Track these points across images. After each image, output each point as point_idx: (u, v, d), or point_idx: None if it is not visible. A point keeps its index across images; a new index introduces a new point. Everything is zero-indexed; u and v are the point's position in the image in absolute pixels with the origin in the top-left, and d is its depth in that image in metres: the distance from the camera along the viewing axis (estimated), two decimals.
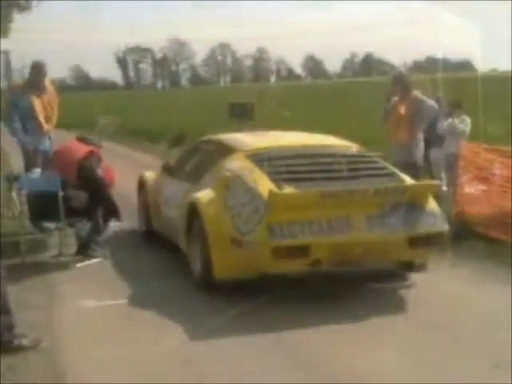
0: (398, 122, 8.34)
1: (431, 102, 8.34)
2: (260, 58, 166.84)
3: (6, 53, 29.28)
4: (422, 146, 8.40)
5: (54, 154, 7.90)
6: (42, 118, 8.65)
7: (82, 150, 7.46)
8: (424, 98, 8.35)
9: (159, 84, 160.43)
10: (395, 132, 8.37)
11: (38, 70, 8.73)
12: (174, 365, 4.57)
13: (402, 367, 4.46)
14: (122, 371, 4.50)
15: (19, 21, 28.60)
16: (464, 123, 9.62)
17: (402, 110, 8.31)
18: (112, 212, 7.53)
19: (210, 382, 4.31)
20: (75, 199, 7.21)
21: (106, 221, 7.52)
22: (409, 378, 4.29)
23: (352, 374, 4.35)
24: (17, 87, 9.75)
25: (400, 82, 8.50)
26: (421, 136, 8.39)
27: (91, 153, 7.47)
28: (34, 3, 26.84)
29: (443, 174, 10.24)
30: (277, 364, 4.56)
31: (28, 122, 8.59)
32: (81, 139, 7.80)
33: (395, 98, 8.39)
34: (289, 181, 5.79)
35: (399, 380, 4.26)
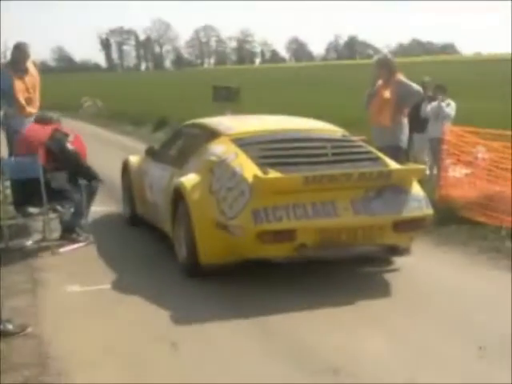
0: (382, 106, 8.31)
1: (416, 86, 8.31)
2: (244, 40, 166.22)
3: None
4: (406, 130, 8.38)
5: (18, 142, 7.75)
6: (23, 100, 8.56)
7: (44, 131, 7.35)
8: (409, 81, 8.31)
9: (143, 66, 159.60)
10: (378, 116, 8.33)
11: (20, 50, 8.63)
12: (160, 348, 4.57)
13: (387, 351, 4.48)
14: (109, 355, 4.49)
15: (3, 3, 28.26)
16: (450, 107, 9.65)
17: (387, 93, 8.27)
18: (94, 179, 7.51)
19: (198, 366, 4.32)
20: (54, 180, 7.15)
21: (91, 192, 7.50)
22: (394, 362, 4.31)
23: (337, 358, 4.37)
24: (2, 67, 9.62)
25: (384, 65, 8.46)
26: (405, 120, 8.37)
27: (55, 130, 7.38)
28: None
29: (426, 158, 10.30)
30: (261, 347, 4.57)
31: (10, 102, 8.48)
32: (39, 120, 7.68)
33: (379, 82, 8.36)
34: (274, 165, 5.78)
35: (384, 364, 4.29)
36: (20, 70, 8.57)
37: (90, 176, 7.50)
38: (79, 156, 7.42)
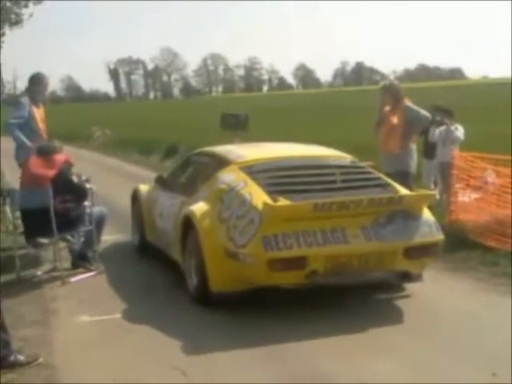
0: (390, 132, 8.33)
1: (424, 112, 8.33)
2: (251, 67, 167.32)
3: None
4: (415, 155, 8.38)
5: (25, 175, 7.55)
6: (42, 131, 8.54)
7: (50, 164, 7.21)
8: (414, 107, 8.33)
9: (151, 95, 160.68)
10: (387, 142, 8.34)
11: (40, 81, 8.63)
12: (171, 378, 4.55)
13: (400, 377, 4.45)
14: None
15: (10, 35, 28.51)
16: (458, 131, 9.63)
17: (394, 119, 8.30)
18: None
19: None
20: (64, 211, 7.13)
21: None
22: None
23: None
24: (17, 98, 9.61)
25: (389, 91, 8.49)
26: (414, 146, 8.38)
27: (61, 163, 7.29)
28: (26, 17, 26.71)
29: (432, 185, 10.28)
30: (273, 376, 4.55)
31: (29, 133, 8.40)
32: (43, 151, 7.45)
33: (387, 108, 8.39)
34: (283, 192, 5.79)
35: None
36: (36, 101, 8.57)
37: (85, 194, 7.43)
38: (83, 186, 7.41)
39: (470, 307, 5.93)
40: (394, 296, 6.15)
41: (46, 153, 7.40)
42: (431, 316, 5.69)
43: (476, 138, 11.73)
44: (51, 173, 7.15)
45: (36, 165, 7.32)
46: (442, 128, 9.69)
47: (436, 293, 6.29)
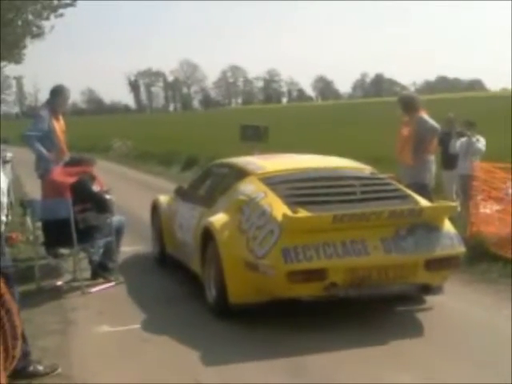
0: (403, 144, 8.32)
1: (432, 123, 8.25)
2: (271, 79, 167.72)
3: (19, 78, 29.55)
4: (431, 167, 8.31)
5: (46, 185, 7.75)
6: (62, 143, 8.59)
7: (71, 174, 7.34)
8: (426, 118, 8.28)
9: (171, 107, 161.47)
10: (401, 154, 8.34)
11: (62, 94, 8.68)
12: None
13: None
14: None
15: (33, 47, 28.84)
16: (480, 143, 9.55)
17: (406, 131, 8.29)
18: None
19: None
20: (84, 221, 7.17)
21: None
22: None
23: None
24: (38, 110, 9.66)
25: (404, 103, 8.46)
26: (431, 157, 8.31)
27: (82, 173, 7.39)
28: (47, 30, 26.98)
29: (454, 195, 10.20)
30: None
31: (49, 145, 8.44)
32: (69, 163, 7.68)
33: (405, 119, 8.37)
34: (303, 204, 5.77)
35: None
36: (57, 113, 8.61)
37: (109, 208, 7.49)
38: (104, 197, 7.45)
39: (490, 320, 5.86)
40: (414, 308, 6.09)
41: (74, 164, 7.53)
42: (452, 328, 5.63)
43: (496, 150, 11.63)
44: (70, 180, 7.23)
45: (57, 173, 7.50)
46: (464, 140, 9.62)
47: (457, 305, 6.23)
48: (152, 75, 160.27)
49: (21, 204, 8.12)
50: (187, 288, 7.03)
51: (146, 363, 5.05)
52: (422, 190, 7.41)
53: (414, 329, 5.62)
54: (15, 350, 4.26)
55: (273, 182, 6.24)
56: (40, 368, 4.78)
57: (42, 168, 8.38)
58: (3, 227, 7.91)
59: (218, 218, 6.18)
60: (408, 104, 8.42)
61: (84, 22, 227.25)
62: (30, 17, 26.53)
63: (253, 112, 70.97)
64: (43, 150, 8.32)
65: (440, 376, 4.65)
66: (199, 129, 40.63)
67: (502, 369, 4.73)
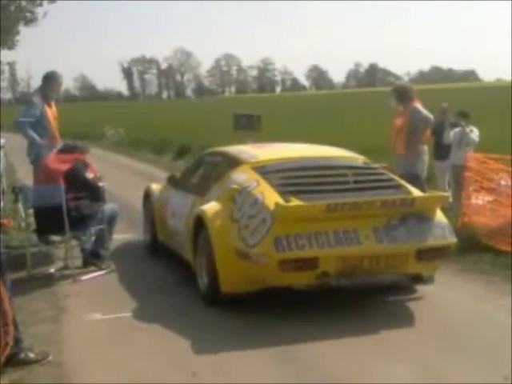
0: (396, 134, 8.32)
1: (425, 113, 8.24)
2: (265, 68, 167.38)
3: (11, 64, 29.42)
4: (424, 157, 8.30)
5: (39, 171, 7.74)
6: (55, 130, 8.55)
7: (65, 161, 7.35)
8: (420, 108, 8.27)
9: (164, 94, 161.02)
10: (395, 144, 8.34)
11: (54, 80, 8.63)
12: (181, 378, 4.54)
13: (410, 380, 4.42)
14: None
15: (26, 33, 28.71)
16: (473, 133, 9.55)
17: (399, 121, 8.28)
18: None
19: None
20: (76, 208, 7.15)
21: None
22: None
23: None
24: (30, 96, 9.59)
25: (397, 93, 8.45)
26: (423, 147, 8.30)
27: (75, 160, 7.38)
28: (41, 16, 26.80)
29: (447, 186, 10.22)
30: (282, 377, 4.53)
31: (41, 131, 8.41)
32: (65, 149, 7.67)
33: (399, 109, 8.36)
34: (295, 193, 5.77)
35: None
36: (49, 100, 8.56)
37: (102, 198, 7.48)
38: (97, 185, 7.44)
39: (482, 309, 5.89)
40: (405, 298, 6.11)
41: (67, 150, 7.52)
42: (443, 318, 5.65)
43: (490, 141, 11.64)
44: (64, 167, 7.21)
45: (51, 160, 7.49)
46: (457, 130, 9.62)
47: (448, 295, 6.25)
48: (145, 62, 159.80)
49: (13, 190, 8.08)
50: (179, 276, 7.03)
51: (137, 352, 5.05)
52: (415, 180, 7.40)
53: (405, 318, 5.63)
54: (8, 337, 4.27)
55: (265, 170, 6.24)
56: (31, 355, 4.78)
57: (34, 154, 8.36)
58: None
59: (211, 207, 6.17)
60: (402, 94, 8.41)
61: (78, 8, 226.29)
62: (24, 3, 26.37)
63: (246, 101, 70.90)
64: (35, 136, 8.29)
65: (430, 364, 4.67)
66: (192, 117, 40.58)
67: (493, 358, 4.75)
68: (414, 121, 8.12)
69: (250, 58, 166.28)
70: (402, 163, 8.07)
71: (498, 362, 4.68)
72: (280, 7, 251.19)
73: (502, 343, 5.00)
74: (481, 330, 5.36)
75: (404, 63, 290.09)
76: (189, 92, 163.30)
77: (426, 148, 8.41)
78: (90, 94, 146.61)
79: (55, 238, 7.29)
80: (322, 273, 5.44)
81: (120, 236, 8.44)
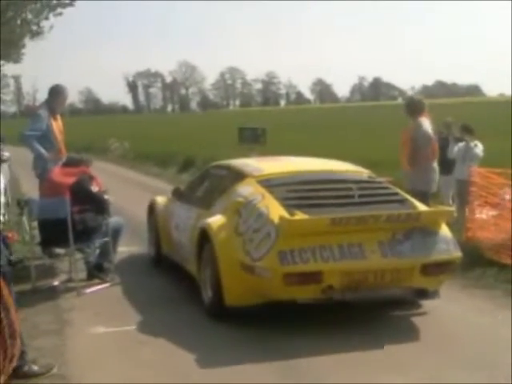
0: (401, 149, 8.28)
1: (425, 130, 8.10)
2: (269, 81, 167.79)
3: (17, 77, 29.53)
4: (430, 174, 8.14)
5: (45, 184, 7.76)
6: (60, 143, 8.56)
7: (71, 174, 7.37)
8: (422, 124, 8.14)
9: (169, 108, 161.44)
10: (401, 159, 8.28)
11: (60, 93, 8.64)
12: None
13: None
14: None
15: (31, 46, 28.77)
16: (477, 148, 9.52)
17: (403, 135, 8.23)
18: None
19: None
20: (81, 222, 7.16)
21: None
22: None
23: None
24: (34, 109, 9.59)
25: (406, 105, 8.43)
26: (428, 163, 8.13)
27: (81, 173, 7.41)
28: (46, 29, 26.89)
29: (451, 200, 10.19)
30: None
31: (47, 145, 8.43)
32: (70, 162, 7.70)
33: (410, 123, 8.31)
34: (300, 207, 5.77)
35: None
36: (55, 113, 8.58)
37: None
38: (103, 198, 7.46)
39: (486, 324, 5.86)
40: (410, 313, 6.10)
41: (72, 164, 7.54)
42: (448, 333, 5.63)
43: (494, 155, 11.64)
44: (70, 180, 7.23)
45: (57, 174, 7.50)
46: (461, 145, 9.60)
47: (452, 310, 6.23)
48: (150, 76, 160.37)
49: (18, 203, 8.09)
50: (183, 289, 7.03)
51: (141, 365, 5.04)
52: (420, 197, 7.35)
53: (410, 333, 5.62)
54: (14, 349, 4.27)
55: (270, 184, 6.24)
56: (35, 368, 4.77)
57: (40, 167, 8.37)
58: (1, 226, 7.92)
59: (215, 220, 6.17)
60: (410, 107, 8.33)
61: (83, 21, 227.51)
62: (30, 16, 26.47)
63: (251, 114, 70.99)
64: (42, 150, 8.30)
65: (435, 380, 4.66)
66: (197, 130, 40.65)
67: (497, 373, 4.73)
68: (415, 136, 8.06)
69: (254, 71, 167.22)
70: (409, 178, 8.02)
71: (504, 375, 4.66)
72: (285, 21, 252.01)
73: (507, 357, 4.98)
74: (486, 344, 5.34)
75: (408, 77, 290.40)
76: (193, 105, 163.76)
77: (433, 164, 8.25)
78: (94, 107, 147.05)
79: (59, 250, 7.28)
80: (326, 287, 5.43)
81: (124, 249, 8.44)
